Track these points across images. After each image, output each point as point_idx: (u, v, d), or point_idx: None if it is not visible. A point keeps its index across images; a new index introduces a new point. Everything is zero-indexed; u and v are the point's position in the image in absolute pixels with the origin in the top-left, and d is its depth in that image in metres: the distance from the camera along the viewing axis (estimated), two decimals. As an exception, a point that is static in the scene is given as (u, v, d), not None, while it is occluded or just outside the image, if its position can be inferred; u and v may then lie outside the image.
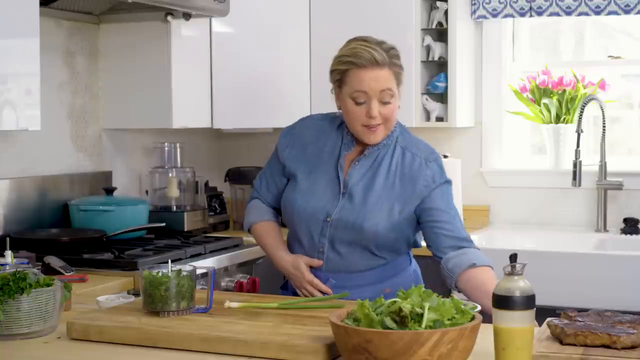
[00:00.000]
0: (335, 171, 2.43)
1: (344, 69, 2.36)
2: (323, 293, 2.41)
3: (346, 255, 2.42)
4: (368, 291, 2.30)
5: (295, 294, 2.49)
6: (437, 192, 2.39)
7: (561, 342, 1.74)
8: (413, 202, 2.38)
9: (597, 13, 3.76)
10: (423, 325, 1.59)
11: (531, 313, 1.64)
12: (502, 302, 1.64)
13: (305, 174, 2.46)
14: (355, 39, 2.40)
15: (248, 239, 3.54)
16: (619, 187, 3.79)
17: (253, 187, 2.64)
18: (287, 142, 2.52)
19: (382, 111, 2.34)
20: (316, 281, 2.43)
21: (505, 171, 4.05)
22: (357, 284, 2.41)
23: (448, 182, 2.43)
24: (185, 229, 3.63)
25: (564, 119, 3.90)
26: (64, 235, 3.17)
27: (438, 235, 2.37)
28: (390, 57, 2.35)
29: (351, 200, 2.39)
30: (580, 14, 3.79)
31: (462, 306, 1.68)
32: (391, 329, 1.60)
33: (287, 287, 2.58)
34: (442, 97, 3.91)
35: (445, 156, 3.84)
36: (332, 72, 2.42)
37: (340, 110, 2.43)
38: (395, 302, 1.65)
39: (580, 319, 1.83)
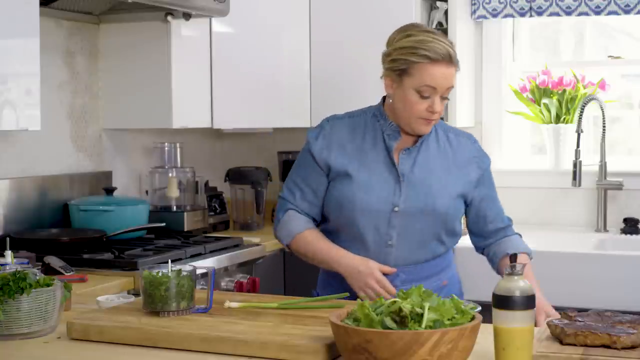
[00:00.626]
0: (389, 162, 2.39)
1: (414, 61, 2.28)
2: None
3: (417, 244, 2.40)
4: (428, 285, 2.32)
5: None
6: (486, 175, 2.47)
7: (561, 342, 1.74)
8: (471, 183, 2.44)
9: (597, 13, 3.76)
10: (423, 325, 1.59)
11: (531, 313, 1.64)
12: (502, 302, 1.64)
13: (356, 170, 2.39)
14: (415, 27, 2.35)
15: (248, 239, 3.55)
16: (619, 187, 3.79)
17: (281, 199, 2.52)
18: (322, 144, 2.44)
19: (441, 107, 2.34)
20: (385, 280, 2.35)
21: (505, 171, 4.05)
22: (423, 276, 2.39)
23: (490, 160, 2.52)
24: (185, 229, 3.62)
25: (564, 119, 3.90)
26: (64, 235, 3.17)
27: (482, 219, 2.47)
28: (456, 56, 2.34)
29: (414, 187, 2.37)
30: (580, 14, 3.79)
31: (462, 306, 1.68)
32: (391, 329, 1.60)
33: (321, 288, 2.51)
34: (442, 97, 3.91)
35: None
36: (394, 60, 2.32)
37: (386, 99, 2.40)
38: (395, 302, 1.65)
39: (580, 319, 1.83)
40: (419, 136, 2.41)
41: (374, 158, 2.40)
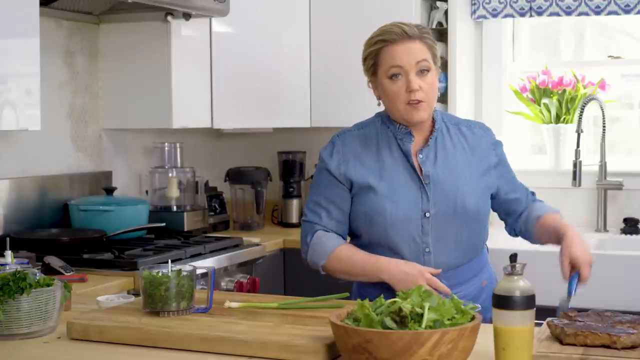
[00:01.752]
0: (409, 167, 2.34)
1: (376, 50, 2.31)
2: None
3: (454, 248, 2.33)
4: (470, 286, 2.33)
5: None
6: (503, 159, 2.47)
7: (561, 342, 1.74)
8: (491, 172, 2.42)
9: (597, 13, 3.76)
10: (423, 325, 1.59)
11: (531, 313, 1.64)
12: (502, 302, 1.64)
13: (378, 180, 2.33)
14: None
15: (248, 239, 3.55)
16: (619, 187, 3.79)
17: (305, 222, 2.41)
18: (338, 159, 2.37)
19: (422, 85, 2.28)
20: (436, 280, 2.25)
21: (505, 171, 4.05)
22: (464, 279, 2.35)
23: (502, 144, 2.52)
24: (185, 229, 3.63)
25: (564, 119, 3.90)
26: (64, 235, 3.17)
27: (510, 203, 2.48)
28: (421, 32, 2.32)
29: (440, 188, 2.31)
30: (580, 14, 3.79)
31: (462, 306, 1.68)
32: (391, 329, 1.60)
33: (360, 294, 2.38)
34: (442, 97, 3.91)
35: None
36: (365, 59, 2.35)
37: (379, 104, 2.39)
38: (395, 302, 1.65)
39: (580, 319, 1.83)
40: (430, 134, 2.37)
41: (393, 165, 2.34)
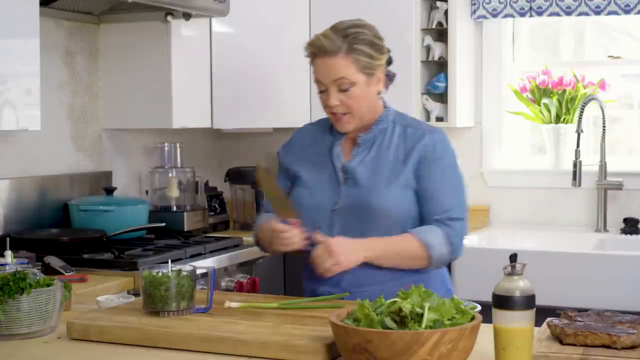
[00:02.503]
0: (332, 161, 2.39)
1: (310, 58, 2.35)
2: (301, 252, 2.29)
3: None
4: (388, 288, 2.18)
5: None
6: (436, 165, 2.32)
7: (561, 342, 1.74)
8: (416, 177, 2.32)
9: (597, 13, 3.76)
10: (423, 325, 1.59)
11: (531, 313, 1.64)
12: (502, 302, 1.64)
13: (308, 171, 2.42)
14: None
15: (248, 239, 3.55)
16: (619, 187, 3.79)
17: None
18: (286, 151, 2.50)
19: (343, 100, 2.29)
20: (281, 226, 2.26)
21: (505, 171, 4.05)
22: (378, 280, 2.30)
23: (451, 157, 2.36)
24: (185, 229, 3.63)
25: (564, 119, 3.90)
26: (64, 235, 3.17)
27: (423, 210, 2.32)
28: (351, 43, 2.27)
29: (356, 185, 2.34)
30: (580, 14, 3.79)
31: (462, 306, 1.68)
32: (391, 329, 1.60)
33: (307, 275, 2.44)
34: (442, 97, 3.92)
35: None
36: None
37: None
38: (395, 302, 1.65)
39: (580, 319, 1.83)
40: (366, 132, 2.37)
41: (325, 158, 2.41)
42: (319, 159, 2.43)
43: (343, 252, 2.22)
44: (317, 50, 2.30)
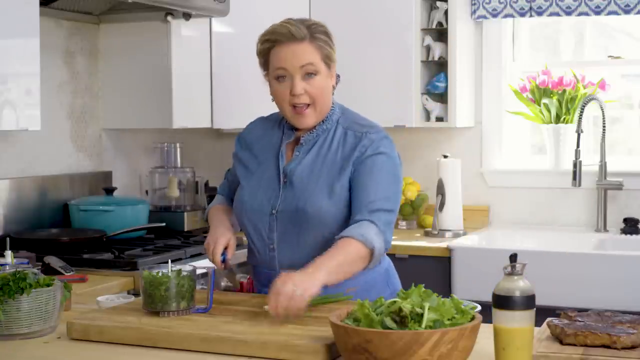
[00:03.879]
0: (277, 162, 2.33)
1: (266, 49, 2.27)
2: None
3: (297, 247, 2.25)
4: (330, 290, 2.11)
5: None
6: (366, 162, 2.24)
7: (561, 342, 1.74)
8: (349, 177, 2.24)
9: (597, 13, 3.76)
10: (423, 325, 1.59)
11: (531, 313, 1.64)
12: (502, 302, 1.64)
13: (253, 172, 2.36)
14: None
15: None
16: (619, 187, 3.79)
17: (219, 187, 2.59)
18: (239, 144, 2.44)
19: (307, 89, 2.23)
20: (212, 249, 2.28)
21: (505, 171, 4.05)
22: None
23: (383, 153, 2.25)
24: (185, 229, 3.63)
25: (564, 119, 3.90)
26: (64, 235, 3.17)
27: (352, 206, 2.22)
28: (313, 32, 2.25)
29: (292, 188, 2.27)
30: (580, 14, 3.79)
31: (462, 306, 1.68)
32: (391, 329, 1.60)
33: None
34: (442, 97, 3.92)
35: (445, 156, 3.85)
36: (258, 56, 2.32)
37: (273, 100, 2.34)
38: (395, 302, 1.65)
39: (580, 319, 1.83)
40: (309, 132, 2.31)
41: (270, 159, 2.35)
42: (266, 158, 2.36)
43: (301, 286, 1.98)
44: (282, 37, 2.24)
